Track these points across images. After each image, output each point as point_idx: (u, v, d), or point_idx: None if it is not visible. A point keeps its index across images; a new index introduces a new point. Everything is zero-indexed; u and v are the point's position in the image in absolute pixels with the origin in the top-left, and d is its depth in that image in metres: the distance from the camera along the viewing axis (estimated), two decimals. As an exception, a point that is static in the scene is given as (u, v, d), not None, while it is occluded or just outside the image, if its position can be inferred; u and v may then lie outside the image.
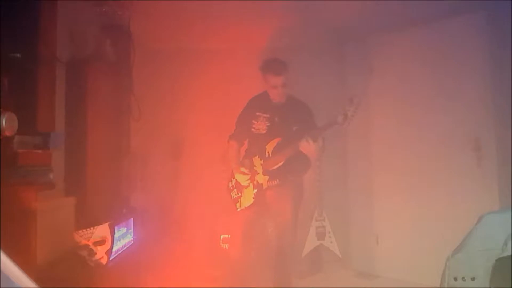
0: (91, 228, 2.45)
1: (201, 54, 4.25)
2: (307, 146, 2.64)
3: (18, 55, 1.72)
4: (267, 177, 2.88)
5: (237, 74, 4.34)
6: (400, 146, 3.75)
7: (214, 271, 3.77)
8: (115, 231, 2.63)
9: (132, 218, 3.10)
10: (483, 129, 3.28)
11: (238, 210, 2.97)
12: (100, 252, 2.42)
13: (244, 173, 2.90)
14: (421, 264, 3.40)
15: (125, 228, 2.94)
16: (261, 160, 2.90)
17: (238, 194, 2.98)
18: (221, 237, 3.99)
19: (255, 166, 2.92)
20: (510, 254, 1.96)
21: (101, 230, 2.49)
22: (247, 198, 2.92)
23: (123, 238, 2.88)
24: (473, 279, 2.04)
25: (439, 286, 2.06)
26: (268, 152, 2.87)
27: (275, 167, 2.84)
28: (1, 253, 0.65)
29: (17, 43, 1.73)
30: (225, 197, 4.03)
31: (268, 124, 2.91)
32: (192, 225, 4.00)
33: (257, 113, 2.94)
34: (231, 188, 3.02)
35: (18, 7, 1.76)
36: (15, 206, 1.62)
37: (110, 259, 2.52)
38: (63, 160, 2.61)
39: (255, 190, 2.90)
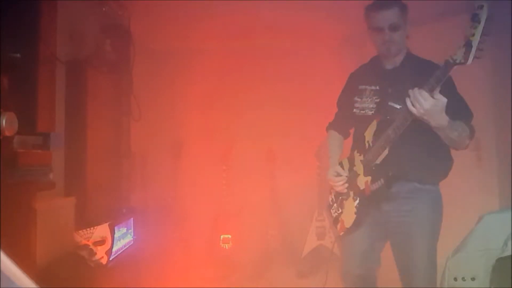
0: (91, 228, 2.45)
1: (201, 54, 4.25)
2: (421, 107, 1.65)
3: (18, 55, 1.72)
4: (368, 178, 1.94)
5: (237, 73, 4.34)
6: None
7: (214, 271, 3.78)
8: (115, 231, 2.63)
9: (132, 218, 3.10)
10: (483, 129, 3.27)
11: (341, 234, 2.08)
12: (100, 252, 2.42)
13: (338, 175, 2.07)
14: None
15: (125, 228, 2.94)
16: (360, 155, 2.01)
17: (338, 210, 2.10)
18: (221, 237, 4.00)
19: (355, 165, 2.04)
20: (510, 254, 1.96)
21: (101, 230, 2.49)
22: (349, 214, 2.03)
23: (123, 238, 2.88)
24: (473, 279, 2.04)
25: (439, 286, 2.06)
26: (368, 141, 1.97)
27: (379, 160, 1.90)
28: (1, 253, 0.65)
29: (17, 43, 1.73)
30: (225, 197, 4.08)
31: (377, 99, 1.98)
32: (192, 225, 4.00)
33: (360, 87, 2.06)
34: (331, 203, 2.16)
35: (18, 7, 1.76)
36: (15, 206, 1.62)
37: (110, 259, 2.52)
38: (63, 160, 2.61)
39: (357, 201, 1.99)
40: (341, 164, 2.12)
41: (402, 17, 1.94)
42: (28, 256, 1.71)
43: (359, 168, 2.00)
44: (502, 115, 3.12)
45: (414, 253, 1.90)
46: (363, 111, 2.03)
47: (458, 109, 1.82)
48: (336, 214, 2.11)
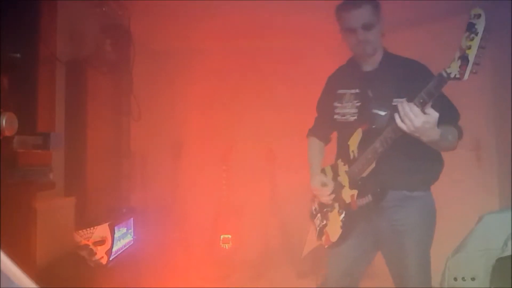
0: (91, 228, 2.45)
1: (201, 54, 4.25)
2: (411, 124, 1.52)
3: (18, 55, 1.72)
4: (355, 192, 1.84)
5: (237, 74, 4.34)
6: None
7: (214, 271, 3.78)
8: (115, 231, 2.63)
9: (132, 218, 3.10)
10: (483, 129, 3.28)
11: (326, 247, 2.00)
12: (100, 252, 2.42)
13: (324, 185, 1.94)
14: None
15: (125, 228, 2.94)
16: (344, 164, 1.90)
17: (322, 222, 1.99)
18: (221, 237, 4.00)
19: (339, 175, 1.92)
20: (510, 254, 1.96)
21: (101, 230, 2.49)
22: (334, 227, 1.92)
23: (123, 238, 2.88)
24: (473, 279, 2.05)
25: (439, 286, 2.06)
26: (353, 151, 1.85)
27: (365, 174, 1.80)
28: (1, 253, 0.65)
29: (17, 43, 1.73)
30: (225, 197, 4.08)
31: (358, 103, 1.88)
32: (192, 225, 4.00)
33: (339, 91, 1.96)
34: (315, 212, 2.05)
35: (18, 7, 1.76)
36: (15, 206, 1.62)
37: (110, 259, 2.52)
38: (63, 160, 2.61)
39: (343, 215, 1.89)
40: (323, 171, 2.00)
41: (375, 15, 1.82)
42: (28, 256, 1.71)
43: (343, 179, 1.89)
44: (502, 115, 3.12)
45: (407, 261, 1.82)
46: (345, 117, 1.92)
47: (445, 112, 1.67)
48: (320, 225, 1.99)
